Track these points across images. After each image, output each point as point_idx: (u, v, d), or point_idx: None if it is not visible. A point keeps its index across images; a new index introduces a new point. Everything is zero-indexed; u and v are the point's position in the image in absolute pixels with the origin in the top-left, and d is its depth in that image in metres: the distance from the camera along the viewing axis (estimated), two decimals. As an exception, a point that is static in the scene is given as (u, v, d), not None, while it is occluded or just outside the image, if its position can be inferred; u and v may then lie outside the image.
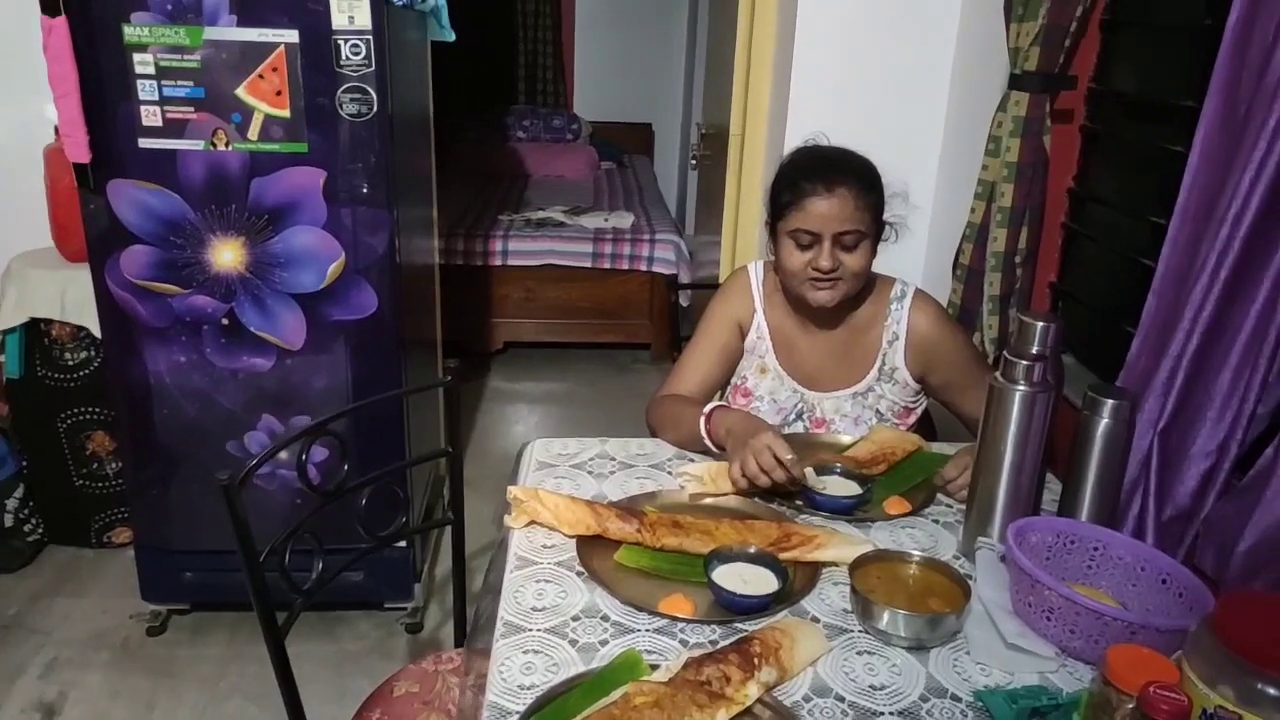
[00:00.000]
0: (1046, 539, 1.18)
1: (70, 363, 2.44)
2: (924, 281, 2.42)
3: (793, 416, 1.65)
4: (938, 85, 2.32)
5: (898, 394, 1.62)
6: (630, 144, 6.06)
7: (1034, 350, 1.18)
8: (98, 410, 2.48)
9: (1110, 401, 1.19)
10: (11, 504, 2.50)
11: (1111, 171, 1.78)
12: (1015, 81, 1.77)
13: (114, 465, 2.54)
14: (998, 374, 1.20)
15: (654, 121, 6.17)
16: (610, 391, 3.99)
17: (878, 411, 1.62)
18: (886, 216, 1.54)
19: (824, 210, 1.45)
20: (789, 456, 1.30)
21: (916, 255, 2.42)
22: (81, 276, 2.12)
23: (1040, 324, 1.18)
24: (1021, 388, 1.17)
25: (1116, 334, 1.67)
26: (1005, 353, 1.19)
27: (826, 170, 1.47)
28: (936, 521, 1.35)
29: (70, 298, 2.36)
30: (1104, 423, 1.20)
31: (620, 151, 5.89)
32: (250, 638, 2.30)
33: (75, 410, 2.48)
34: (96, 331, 2.24)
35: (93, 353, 2.44)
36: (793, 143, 1.63)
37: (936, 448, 1.57)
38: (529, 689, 0.98)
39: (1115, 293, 1.76)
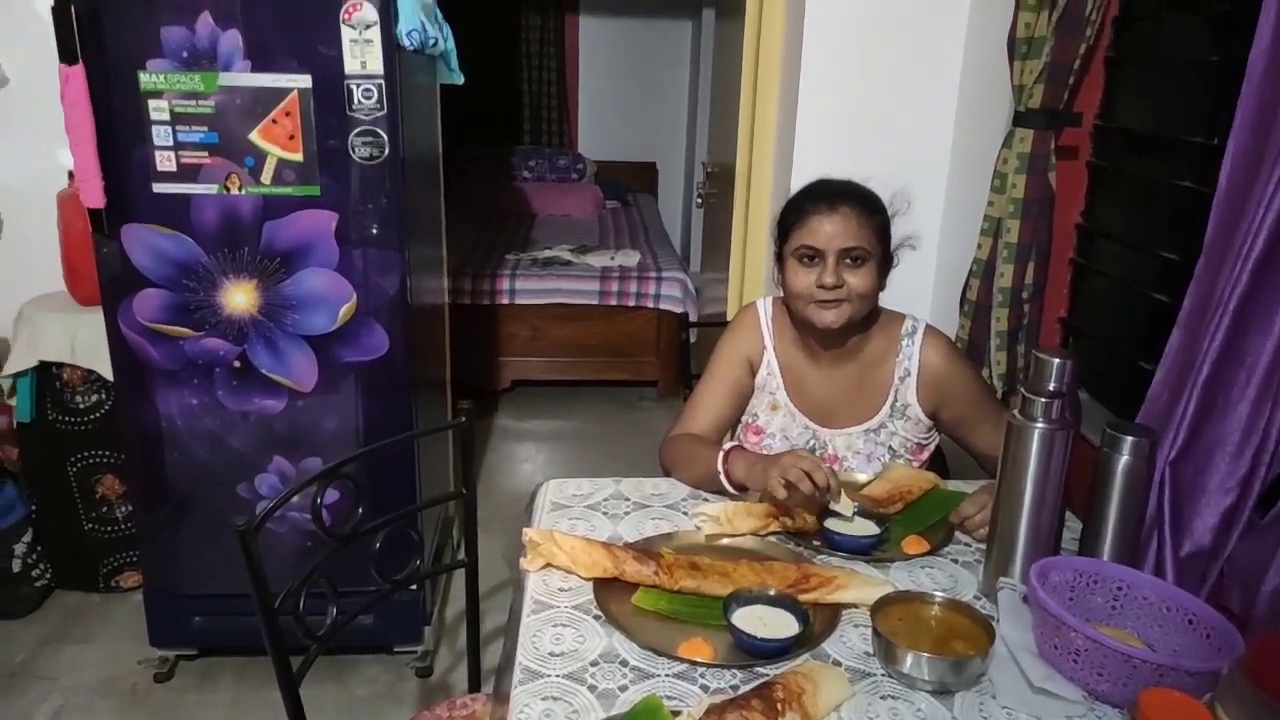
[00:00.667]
0: (1068, 578, 1.17)
1: (81, 406, 2.44)
2: (932, 316, 2.42)
3: (811, 450, 1.64)
4: (943, 122, 2.34)
5: (910, 430, 1.61)
6: (635, 183, 6.11)
7: (1051, 387, 1.18)
8: (108, 454, 2.48)
9: (1130, 438, 1.19)
10: (20, 549, 2.49)
11: (1120, 207, 1.79)
12: (1020, 119, 1.79)
13: (124, 509, 2.53)
14: (1016, 412, 1.19)
15: (658, 160, 6.22)
16: (618, 429, 3.98)
17: (890, 448, 1.61)
18: (895, 242, 1.55)
19: (827, 227, 1.47)
20: (822, 463, 1.33)
21: (924, 290, 2.42)
22: (93, 320, 2.13)
23: (1056, 361, 1.18)
24: (1040, 425, 1.17)
25: (1129, 369, 1.67)
26: (1023, 390, 1.19)
27: (830, 192, 1.51)
28: (956, 561, 1.34)
29: (81, 341, 2.37)
30: (1124, 460, 1.19)
31: (625, 190, 5.94)
32: (258, 683, 2.27)
33: (85, 454, 2.47)
34: (108, 374, 2.24)
35: (104, 396, 2.44)
36: (799, 180, 1.65)
37: (952, 485, 1.56)
38: (549, 737, 0.96)
39: (1126, 328, 1.76)
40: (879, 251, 1.51)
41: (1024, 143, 1.77)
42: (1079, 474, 1.30)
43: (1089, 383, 1.83)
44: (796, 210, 1.52)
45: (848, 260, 1.48)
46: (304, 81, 1.88)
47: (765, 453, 1.62)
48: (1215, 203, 1.26)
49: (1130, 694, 0.96)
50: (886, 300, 1.62)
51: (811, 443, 1.63)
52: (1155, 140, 1.68)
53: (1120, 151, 1.77)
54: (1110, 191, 1.81)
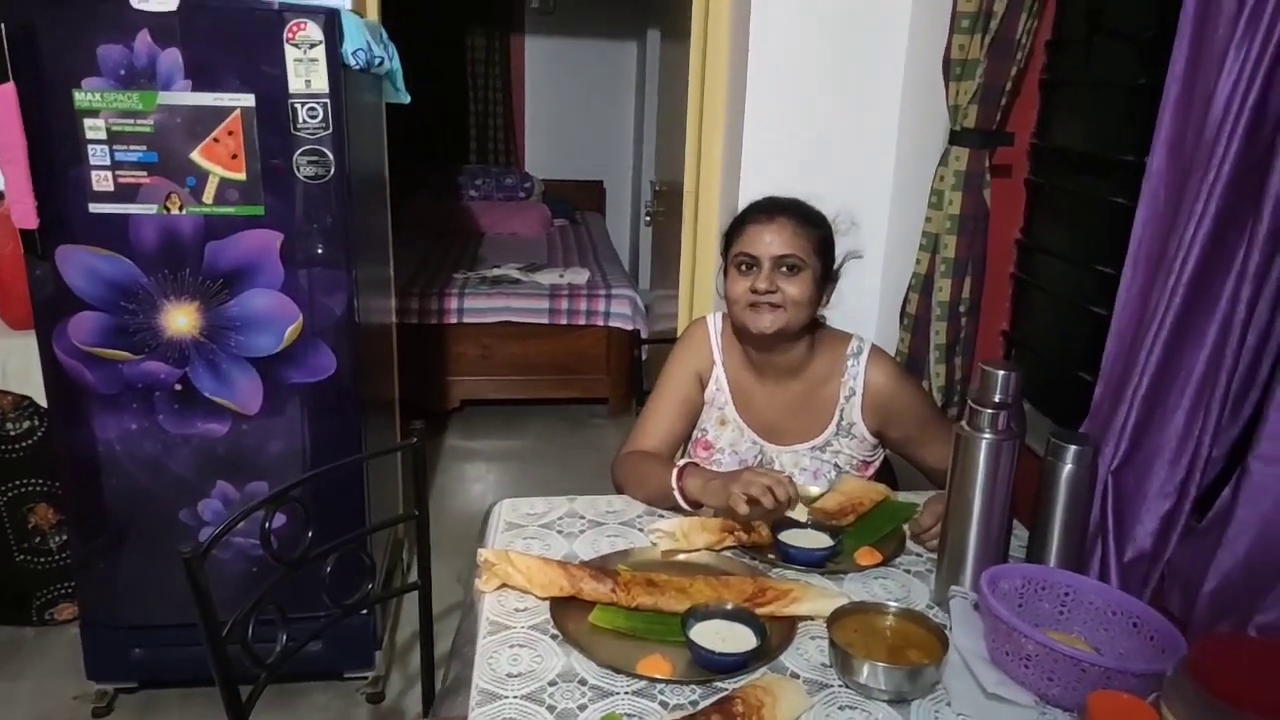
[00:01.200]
0: (1017, 585, 1.20)
1: (12, 433, 2.35)
2: (877, 331, 2.47)
3: (759, 464, 1.66)
4: (885, 142, 2.39)
5: (855, 448, 1.64)
6: (582, 201, 6.12)
7: (996, 398, 1.20)
8: (41, 482, 2.39)
9: (1074, 448, 1.22)
10: (-54, 583, 2.39)
11: (1057, 223, 1.84)
12: (955, 137, 1.84)
13: (58, 539, 2.44)
14: (963, 423, 1.22)
15: (605, 178, 6.24)
16: (569, 447, 3.97)
17: (836, 465, 1.64)
18: (840, 249, 1.59)
19: (765, 236, 1.52)
20: (782, 475, 1.36)
21: (870, 305, 2.46)
22: (25, 344, 2.06)
23: (1002, 373, 1.20)
24: (987, 436, 1.19)
25: (1069, 380, 1.72)
26: (970, 402, 1.21)
27: (770, 205, 1.57)
28: (908, 571, 1.36)
29: (12, 366, 2.29)
30: (1068, 468, 1.23)
31: (572, 208, 5.95)
32: (201, 713, 2.20)
33: (17, 482, 2.38)
34: (41, 400, 2.17)
35: (36, 422, 2.36)
36: (746, 198, 1.68)
37: (901, 497, 1.58)
38: (508, 760, 0.95)
39: (1066, 340, 1.81)
40: (816, 264, 1.54)
41: (959, 161, 1.82)
42: (1024, 483, 1.33)
43: (1030, 394, 1.88)
44: (739, 221, 1.58)
45: (783, 269, 1.52)
46: (247, 100, 1.85)
47: (716, 468, 1.63)
48: (1138, 219, 1.31)
49: (1079, 697, 0.98)
50: (832, 314, 1.64)
51: (759, 458, 1.65)
52: (1089, 158, 1.74)
53: (1056, 169, 1.83)
54: (1048, 208, 1.86)
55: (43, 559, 2.46)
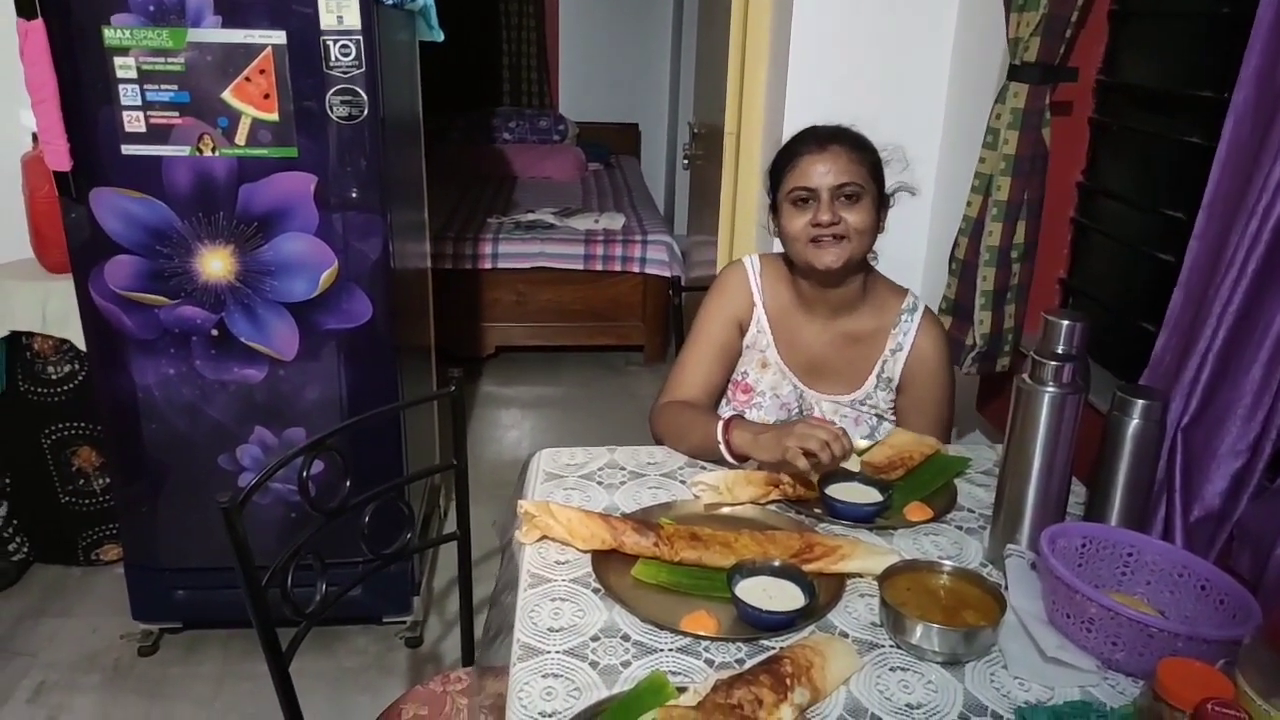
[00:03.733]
0: (1076, 544, 1.15)
1: (53, 377, 2.37)
2: (925, 275, 2.39)
3: (796, 412, 1.62)
4: (937, 77, 2.28)
5: (886, 401, 1.61)
6: (617, 144, 6.01)
7: (1060, 350, 1.14)
8: (83, 425, 2.41)
9: (1141, 402, 1.16)
10: (-5, 523, 2.43)
11: (1123, 165, 1.75)
12: (1014, 73, 1.74)
13: (101, 481, 2.47)
14: (1025, 376, 1.16)
15: (640, 121, 6.12)
16: (604, 394, 3.94)
17: (878, 416, 1.60)
18: (890, 182, 1.53)
19: (819, 166, 1.46)
20: (837, 429, 1.31)
21: (918, 249, 2.39)
22: (63, 288, 2.06)
23: (1066, 323, 1.14)
24: (1050, 389, 1.13)
25: (1131, 330, 1.64)
26: (1033, 353, 1.15)
27: (819, 134, 1.50)
28: (959, 528, 1.32)
29: (52, 310, 2.29)
30: (1134, 423, 1.16)
31: (607, 152, 5.85)
32: (244, 655, 2.24)
33: (59, 425, 2.41)
34: (80, 344, 2.17)
35: (77, 366, 2.37)
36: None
37: (951, 450, 1.54)
38: (551, 716, 0.93)
39: (1129, 288, 1.73)
40: (873, 189, 1.49)
41: (1018, 98, 1.72)
42: (1081, 438, 1.27)
43: (1089, 345, 1.81)
44: (787, 154, 1.51)
45: (842, 198, 1.46)
46: (278, 38, 1.80)
47: (757, 412, 1.59)
48: (1217, 159, 1.22)
49: (1146, 663, 0.93)
50: (881, 258, 1.58)
51: (800, 403, 1.61)
52: (1161, 95, 1.64)
53: (1123, 107, 1.73)
54: (1113, 149, 1.77)
55: (87, 501, 2.49)
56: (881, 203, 1.52)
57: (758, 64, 2.54)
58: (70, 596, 2.46)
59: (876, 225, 1.51)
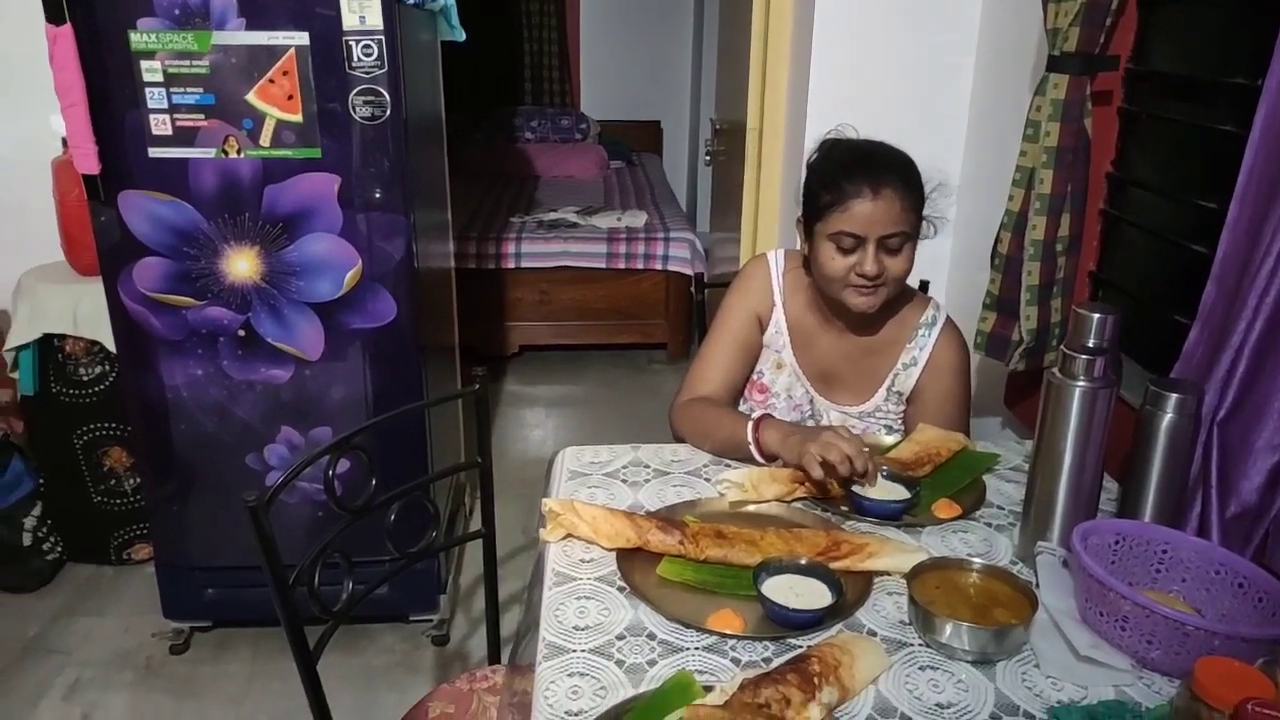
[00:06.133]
0: (1109, 541, 1.13)
1: (85, 378, 2.40)
2: (951, 271, 2.37)
3: (809, 416, 1.61)
4: (962, 70, 2.26)
5: (895, 413, 1.60)
6: (639, 142, 6.01)
7: (1091, 343, 1.13)
8: (114, 426, 2.44)
9: (1175, 395, 1.14)
10: (29, 522, 2.46)
11: (1153, 154, 1.72)
12: (1054, 63, 1.70)
13: (132, 481, 2.50)
14: (1055, 370, 1.14)
15: (662, 118, 6.11)
16: (628, 393, 3.94)
17: (887, 426, 1.59)
18: (926, 213, 1.48)
19: (869, 213, 1.37)
20: (864, 446, 1.28)
21: (945, 244, 2.36)
22: (94, 290, 2.08)
23: (1097, 316, 1.12)
24: (1081, 383, 1.11)
25: (1162, 323, 1.61)
26: (1064, 347, 1.13)
27: (869, 170, 1.39)
28: (989, 525, 1.30)
29: (83, 312, 2.32)
30: (1168, 418, 1.14)
31: (629, 150, 5.84)
32: (273, 654, 2.26)
33: (91, 426, 2.44)
34: (111, 346, 2.20)
35: (107, 367, 2.40)
36: (813, 134, 1.57)
37: (980, 446, 1.52)
38: (577, 715, 0.93)
39: (1160, 280, 1.70)
40: (917, 229, 1.44)
41: (1058, 89, 1.69)
42: (1113, 433, 1.25)
43: (1120, 339, 1.77)
44: (833, 189, 1.40)
45: (888, 245, 1.40)
46: (301, 39, 1.81)
47: (772, 413, 1.58)
48: (1250, 147, 1.19)
49: (1183, 662, 0.91)
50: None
51: (811, 410, 1.59)
52: (1192, 83, 1.61)
53: (1154, 96, 1.70)
54: (1143, 138, 1.73)
55: (118, 500, 2.52)
56: (918, 236, 1.46)
57: (780, 58, 2.52)
58: (103, 595, 2.49)
59: (912, 265, 1.45)
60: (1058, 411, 1.14)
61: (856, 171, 1.39)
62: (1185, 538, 1.12)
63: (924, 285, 1.90)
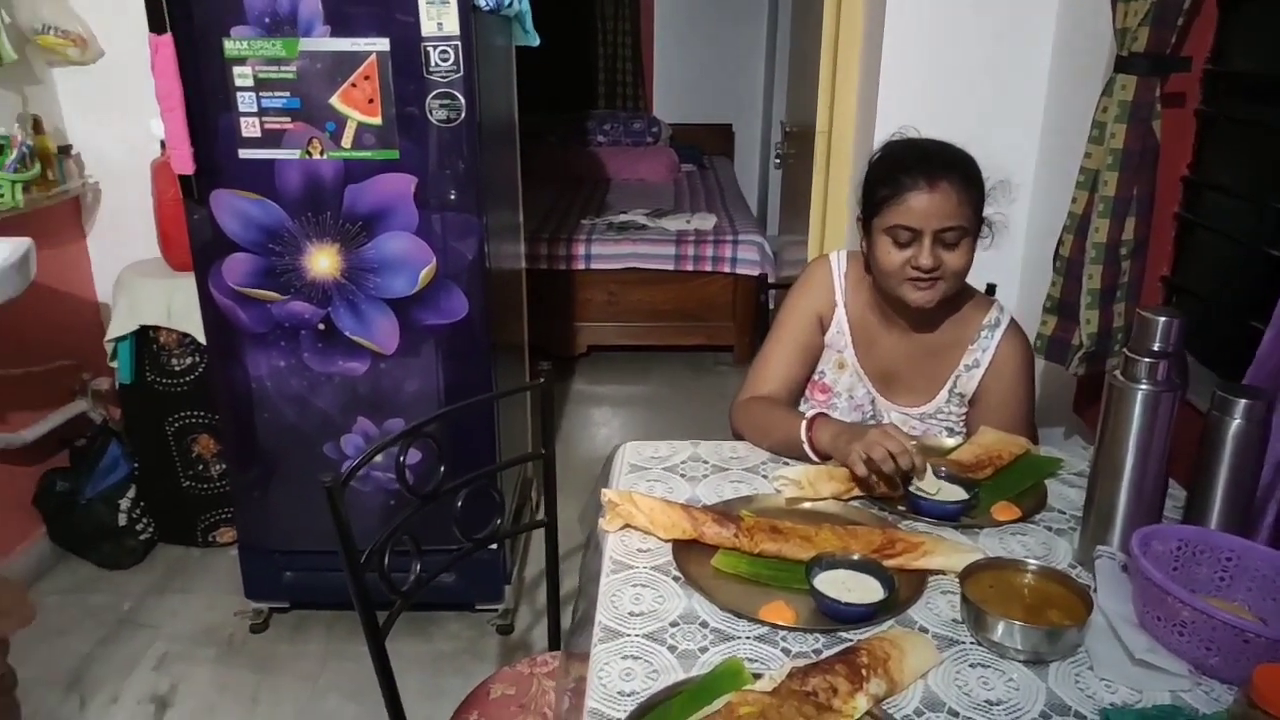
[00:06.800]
0: (1171, 548, 1.11)
1: (177, 368, 2.53)
2: (1022, 274, 2.34)
3: (870, 416, 1.61)
4: (1037, 71, 2.23)
5: (958, 415, 1.59)
6: (710, 145, 6.03)
7: (1155, 347, 1.11)
8: (203, 414, 2.57)
9: (1243, 401, 1.11)
10: (124, 504, 2.61)
11: (1232, 158, 1.67)
12: (1122, 64, 1.68)
13: (218, 467, 2.63)
14: (1117, 373, 1.13)
15: (734, 122, 6.12)
16: (694, 394, 3.96)
17: (948, 429, 1.58)
18: (986, 212, 1.47)
19: (925, 206, 1.38)
20: (909, 444, 1.28)
21: (1015, 248, 2.33)
22: (186, 284, 2.20)
23: (1162, 319, 1.11)
24: (1144, 387, 1.10)
25: (1238, 329, 1.57)
26: (1126, 350, 1.12)
27: (927, 164, 1.40)
28: (1049, 528, 1.29)
29: (176, 305, 2.45)
30: (1236, 424, 1.12)
31: (700, 153, 5.87)
32: (346, 636, 2.35)
33: (182, 414, 2.57)
34: (201, 338, 2.32)
35: (198, 358, 2.53)
36: (881, 137, 1.57)
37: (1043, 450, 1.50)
38: (629, 695, 0.96)
39: (1236, 286, 1.66)
40: (975, 225, 1.43)
41: (1125, 90, 1.66)
42: (1182, 440, 1.23)
43: (1192, 344, 1.73)
44: (890, 183, 1.41)
45: (944, 239, 1.40)
46: (382, 45, 1.89)
47: (832, 413, 1.58)
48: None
49: (1243, 669, 0.90)
50: (979, 255, 1.55)
51: (872, 410, 1.60)
52: (1274, 84, 1.56)
53: (1234, 98, 1.65)
54: (1221, 141, 1.69)
55: (205, 485, 2.65)
56: (978, 233, 1.46)
57: (850, 62, 2.52)
58: (190, 575, 2.63)
59: (971, 261, 1.45)
60: (1119, 414, 1.13)
61: (913, 165, 1.40)
62: (1254, 547, 1.10)
63: (990, 289, 1.88)
